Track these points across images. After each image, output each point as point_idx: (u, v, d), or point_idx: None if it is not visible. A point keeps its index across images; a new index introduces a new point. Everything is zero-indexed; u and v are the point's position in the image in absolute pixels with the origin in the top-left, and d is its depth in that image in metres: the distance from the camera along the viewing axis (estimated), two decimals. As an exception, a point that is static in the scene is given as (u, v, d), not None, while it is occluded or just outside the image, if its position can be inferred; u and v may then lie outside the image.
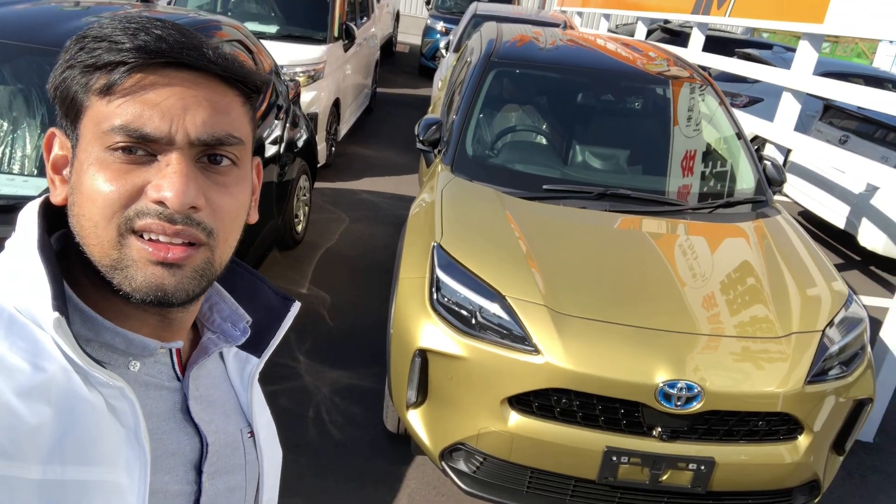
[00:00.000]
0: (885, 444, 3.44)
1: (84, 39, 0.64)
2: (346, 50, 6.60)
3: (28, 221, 0.66)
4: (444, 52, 7.91)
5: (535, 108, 3.63)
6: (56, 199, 0.67)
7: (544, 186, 2.99)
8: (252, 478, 0.80)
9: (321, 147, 5.77)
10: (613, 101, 3.70)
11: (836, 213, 5.77)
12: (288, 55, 5.69)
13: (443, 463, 2.45)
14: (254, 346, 0.81)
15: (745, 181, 3.26)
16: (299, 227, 4.77)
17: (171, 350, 0.72)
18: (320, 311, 4.01)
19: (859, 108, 5.94)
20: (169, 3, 6.31)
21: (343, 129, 6.93)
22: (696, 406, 2.16)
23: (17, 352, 0.57)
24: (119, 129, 0.61)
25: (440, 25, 11.09)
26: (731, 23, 5.51)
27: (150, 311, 0.67)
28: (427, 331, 2.38)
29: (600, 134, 3.53)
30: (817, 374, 2.29)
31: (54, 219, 0.68)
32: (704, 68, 5.70)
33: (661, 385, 2.14)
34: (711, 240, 2.83)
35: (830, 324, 2.42)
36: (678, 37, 9.46)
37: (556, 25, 7.20)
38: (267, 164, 3.93)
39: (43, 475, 0.54)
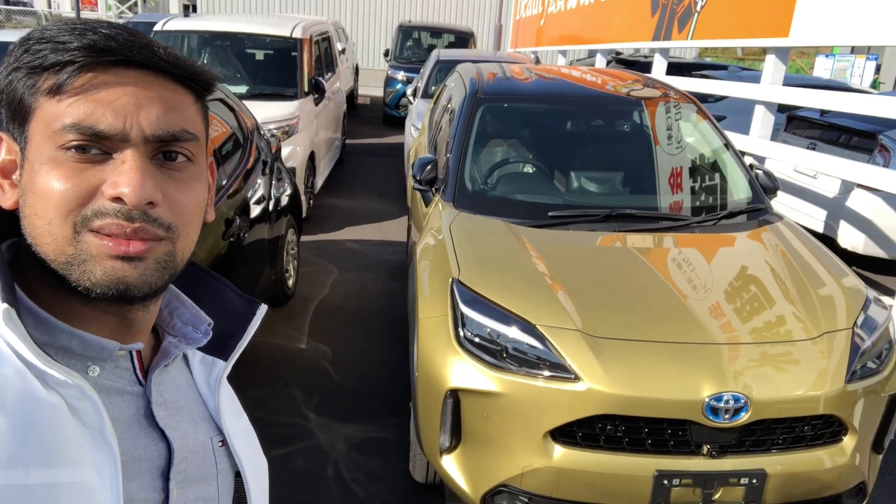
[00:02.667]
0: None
1: (28, 42, 0.63)
2: (316, 104, 6.62)
3: None
4: (411, 98, 7.99)
5: (526, 138, 3.66)
6: (6, 203, 0.66)
7: (550, 213, 2.98)
8: (226, 489, 0.77)
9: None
10: (602, 125, 3.75)
11: (813, 218, 5.89)
12: (260, 113, 5.67)
13: (485, 508, 2.34)
14: (220, 350, 0.79)
15: (742, 191, 3.30)
16: (290, 282, 4.68)
17: (131, 354, 0.70)
18: (323, 366, 3.89)
19: (822, 115, 6.14)
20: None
21: (319, 182, 6.90)
22: (743, 417, 2.12)
23: None
24: (71, 128, 0.60)
25: (401, 75, 11.24)
26: (695, 45, 5.68)
27: (109, 312, 0.66)
28: (457, 369, 2.31)
29: (593, 158, 3.56)
30: (854, 372, 2.27)
31: (5, 229, 0.67)
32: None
33: (707, 399, 2.10)
34: (727, 250, 2.84)
35: (857, 321, 2.41)
36: (632, 66, 9.74)
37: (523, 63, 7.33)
38: (258, 221, 3.86)
39: (6, 480, 0.53)
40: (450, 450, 2.37)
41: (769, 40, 4.50)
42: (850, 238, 5.50)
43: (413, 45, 13.13)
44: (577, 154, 3.58)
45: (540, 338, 2.26)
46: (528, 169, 3.53)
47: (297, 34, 6.70)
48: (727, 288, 2.53)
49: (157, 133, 0.63)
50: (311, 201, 6.46)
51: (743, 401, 2.11)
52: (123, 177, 0.60)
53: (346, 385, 3.69)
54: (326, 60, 7.96)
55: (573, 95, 3.85)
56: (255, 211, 3.86)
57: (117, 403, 0.66)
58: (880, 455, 2.48)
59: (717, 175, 3.45)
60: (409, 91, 8.29)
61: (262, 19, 7.46)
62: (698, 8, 5.56)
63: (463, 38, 12.72)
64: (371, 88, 15.43)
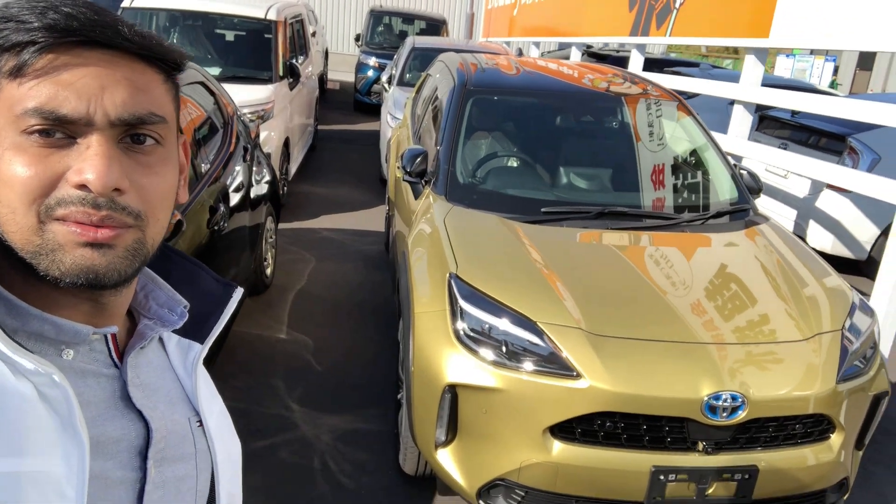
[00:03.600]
0: (880, 437, 3.54)
1: None
2: (291, 88, 6.49)
3: None
4: (386, 86, 7.89)
5: (517, 132, 3.65)
6: None
7: (542, 209, 2.98)
8: (204, 468, 0.78)
9: (277, 187, 5.62)
10: (592, 121, 3.76)
11: (783, 218, 6.04)
12: (235, 97, 5.53)
13: (480, 502, 2.35)
14: (196, 333, 0.79)
15: (729, 191, 3.36)
16: (268, 271, 4.60)
17: (106, 337, 0.69)
18: (305, 356, 3.84)
19: (793, 115, 6.29)
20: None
21: (293, 168, 6.79)
22: (740, 415, 2.16)
23: None
24: (33, 112, 0.58)
25: (373, 60, 11.10)
26: (673, 42, 5.74)
27: (81, 297, 0.65)
28: (456, 365, 2.30)
29: (585, 154, 3.57)
30: (843, 373, 2.34)
31: None
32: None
33: (706, 398, 2.13)
34: (720, 250, 2.89)
35: (845, 324, 2.48)
36: (604, 60, 9.81)
37: (502, 55, 7.31)
38: (239, 209, 3.78)
39: None
40: (445, 444, 2.37)
41: (749, 41, 4.57)
42: (818, 238, 5.66)
43: (384, 30, 12.98)
44: (570, 150, 3.59)
45: (541, 335, 2.27)
46: (521, 164, 3.53)
47: (272, 16, 6.55)
48: (723, 288, 2.58)
49: (122, 116, 0.61)
50: (286, 188, 6.35)
51: (740, 399, 2.15)
52: (88, 163, 0.59)
53: (329, 375, 3.65)
54: (300, 44, 7.80)
55: (564, 91, 3.86)
56: (236, 199, 3.77)
57: (92, 386, 0.66)
58: (861, 451, 2.56)
59: (706, 175, 3.50)
60: (383, 78, 8.19)
61: (235, -1, 7.25)
62: (677, 5, 5.62)
63: (435, 25, 12.62)
64: (340, 73, 15.21)
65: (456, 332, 2.36)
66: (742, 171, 3.51)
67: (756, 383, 2.18)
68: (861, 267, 5.79)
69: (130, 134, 0.62)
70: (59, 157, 0.59)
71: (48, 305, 0.63)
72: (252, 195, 4.07)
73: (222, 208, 3.40)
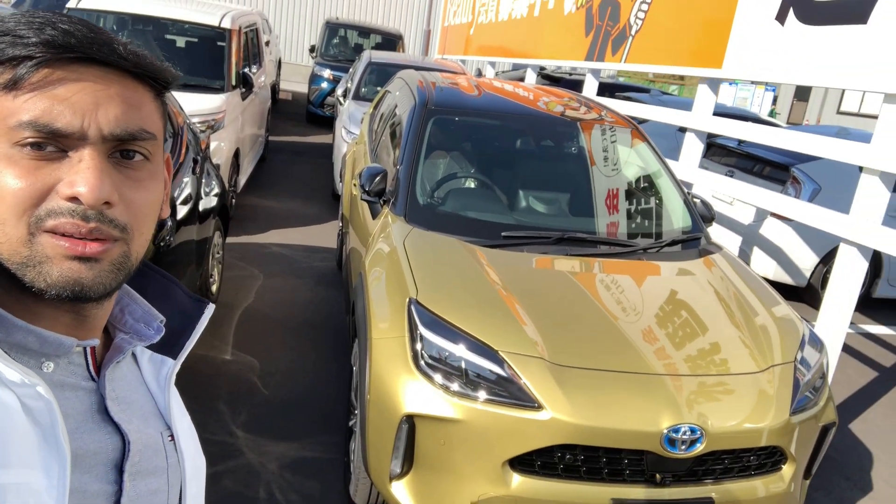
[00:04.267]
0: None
1: None
2: (243, 98, 6.34)
3: None
4: (341, 100, 7.79)
5: (477, 154, 3.62)
6: None
7: (503, 233, 2.95)
8: (175, 482, 0.79)
9: (226, 200, 5.45)
10: (552, 145, 3.76)
11: (727, 244, 6.20)
12: (185, 105, 5.35)
13: (435, 536, 2.27)
14: (168, 348, 0.81)
15: (684, 220, 3.40)
16: (214, 288, 4.43)
17: (85, 350, 0.70)
18: (251, 379, 3.69)
19: (739, 144, 6.48)
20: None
21: (242, 180, 6.61)
22: (698, 448, 2.16)
23: None
24: (28, 125, 0.59)
25: (327, 73, 10.98)
26: (628, 69, 5.84)
27: (63, 309, 0.66)
28: (415, 394, 2.23)
29: (546, 178, 3.56)
30: (796, 404, 2.37)
31: None
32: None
33: (665, 431, 2.12)
34: (677, 279, 2.90)
35: (797, 356, 2.52)
36: (558, 83, 9.95)
37: (460, 73, 7.33)
38: (186, 223, 3.63)
39: None
40: (401, 475, 2.29)
41: (702, 70, 4.68)
42: (761, 264, 5.83)
43: (340, 42, 12.88)
44: (530, 173, 3.58)
45: (503, 364, 2.22)
46: (481, 186, 3.50)
47: (227, 24, 6.40)
48: (681, 319, 2.59)
49: (115, 132, 0.62)
50: (234, 200, 6.18)
51: (699, 432, 2.15)
52: (80, 176, 0.60)
53: (276, 400, 3.52)
54: (253, 53, 7.65)
55: (525, 114, 3.85)
56: (184, 212, 3.62)
57: (71, 399, 0.66)
58: (808, 480, 2.60)
59: (660, 202, 3.54)
60: (338, 91, 8.09)
61: (186, 4, 7.05)
62: (633, 32, 5.73)
63: (391, 40, 12.59)
64: (292, 83, 15.01)
65: (415, 360, 2.29)
66: (695, 200, 3.57)
67: (713, 416, 2.18)
68: (800, 293, 5.98)
69: (121, 150, 0.64)
70: (50, 169, 0.60)
71: (28, 316, 0.63)
72: (200, 208, 3.92)
73: (169, 222, 3.26)
